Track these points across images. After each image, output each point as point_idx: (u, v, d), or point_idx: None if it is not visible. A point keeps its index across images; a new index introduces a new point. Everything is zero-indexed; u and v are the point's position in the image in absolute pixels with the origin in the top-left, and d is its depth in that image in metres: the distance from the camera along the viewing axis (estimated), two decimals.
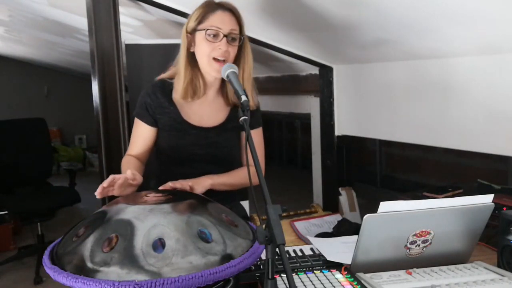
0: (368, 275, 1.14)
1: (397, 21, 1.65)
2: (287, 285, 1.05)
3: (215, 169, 1.46)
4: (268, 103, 3.94)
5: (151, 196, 1.12)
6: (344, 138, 2.73)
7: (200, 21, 1.38)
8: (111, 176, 1.17)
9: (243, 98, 1.16)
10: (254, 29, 2.30)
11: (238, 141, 1.52)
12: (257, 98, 1.53)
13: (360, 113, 2.52)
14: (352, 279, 1.14)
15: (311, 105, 3.05)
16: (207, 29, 1.35)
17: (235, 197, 1.64)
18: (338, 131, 2.72)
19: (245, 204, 2.74)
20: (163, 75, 1.51)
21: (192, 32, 1.40)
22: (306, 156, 5.15)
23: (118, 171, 2.09)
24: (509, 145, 1.66)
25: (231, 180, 1.46)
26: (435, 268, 1.18)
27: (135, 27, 3.14)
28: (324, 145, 2.84)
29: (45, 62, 7.11)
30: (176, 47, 2.62)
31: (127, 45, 2.46)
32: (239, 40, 1.39)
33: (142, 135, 1.49)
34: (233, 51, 1.38)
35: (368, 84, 2.39)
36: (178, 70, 1.44)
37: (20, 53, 6.58)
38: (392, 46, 1.94)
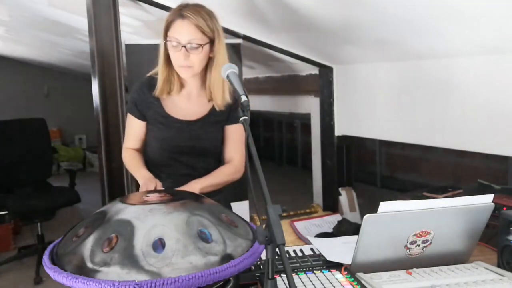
0: (368, 275, 1.14)
1: (397, 21, 1.65)
2: (287, 285, 1.05)
3: (199, 161, 1.55)
4: (268, 103, 3.94)
5: (151, 196, 1.12)
6: (344, 138, 2.73)
7: (166, 30, 1.44)
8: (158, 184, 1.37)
9: (243, 98, 1.16)
10: (254, 29, 2.30)
11: (221, 135, 1.58)
12: (231, 97, 1.53)
13: (360, 113, 2.52)
14: (352, 279, 1.14)
15: (311, 105, 3.05)
16: (168, 41, 1.42)
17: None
18: (338, 131, 2.72)
19: (245, 204, 2.74)
20: (151, 72, 1.58)
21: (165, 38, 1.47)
22: (306, 156, 5.14)
23: (118, 171, 2.10)
24: (509, 145, 1.66)
25: (217, 180, 1.52)
26: (435, 268, 1.18)
27: (135, 27, 3.14)
28: (324, 145, 2.84)
29: (45, 62, 7.10)
30: None
31: (127, 45, 2.47)
32: (203, 46, 1.41)
33: (134, 129, 1.59)
34: (197, 57, 1.41)
35: (368, 84, 2.39)
36: (158, 69, 1.51)
37: (20, 53, 6.57)
38: (392, 46, 1.94)
